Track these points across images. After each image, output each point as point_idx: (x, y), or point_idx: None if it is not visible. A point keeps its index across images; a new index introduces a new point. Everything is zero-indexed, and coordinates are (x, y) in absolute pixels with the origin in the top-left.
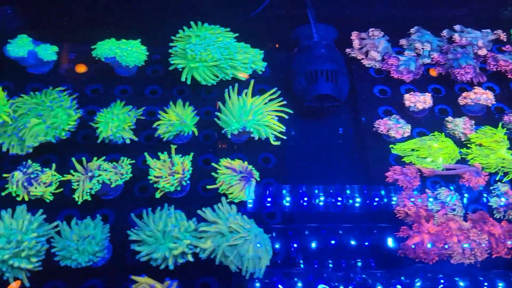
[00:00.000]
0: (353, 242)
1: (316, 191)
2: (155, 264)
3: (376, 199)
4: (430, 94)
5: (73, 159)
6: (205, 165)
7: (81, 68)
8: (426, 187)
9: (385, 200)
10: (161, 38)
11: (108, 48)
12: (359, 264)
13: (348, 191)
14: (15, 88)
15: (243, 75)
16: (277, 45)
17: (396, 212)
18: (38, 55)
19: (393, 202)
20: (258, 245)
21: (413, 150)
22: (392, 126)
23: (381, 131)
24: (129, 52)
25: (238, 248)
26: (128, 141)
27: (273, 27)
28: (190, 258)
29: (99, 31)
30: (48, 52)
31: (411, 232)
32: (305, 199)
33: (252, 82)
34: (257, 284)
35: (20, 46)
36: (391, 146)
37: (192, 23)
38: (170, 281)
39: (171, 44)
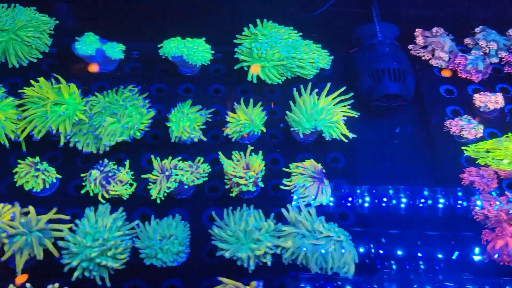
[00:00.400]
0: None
1: (391, 192)
2: (239, 263)
3: (460, 202)
4: (501, 94)
5: (153, 158)
6: (272, 164)
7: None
8: (503, 190)
9: (464, 203)
10: (221, 36)
11: (175, 47)
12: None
13: (426, 193)
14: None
15: (254, 70)
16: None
17: (474, 214)
18: (106, 53)
19: (476, 205)
20: (343, 250)
21: (487, 151)
22: (465, 126)
23: (453, 131)
24: (195, 51)
25: (322, 248)
26: (196, 140)
27: (331, 25)
28: (269, 258)
29: (159, 30)
30: (116, 50)
31: (495, 236)
32: (384, 199)
33: (328, 85)
34: None
35: (88, 44)
36: (463, 147)
37: (258, 21)
38: (256, 282)
39: (236, 41)
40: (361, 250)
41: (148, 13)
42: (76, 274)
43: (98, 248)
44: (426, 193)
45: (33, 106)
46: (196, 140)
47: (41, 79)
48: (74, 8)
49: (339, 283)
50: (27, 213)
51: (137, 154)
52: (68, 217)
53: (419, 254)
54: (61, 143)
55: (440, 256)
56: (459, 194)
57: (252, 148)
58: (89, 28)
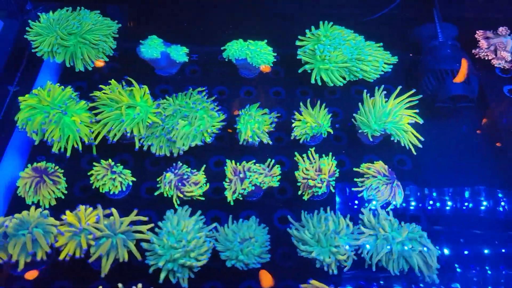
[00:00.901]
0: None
1: (467, 194)
2: (318, 265)
3: None
4: None
5: (228, 161)
6: (338, 166)
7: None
8: None
9: None
10: (279, 39)
11: (238, 49)
12: None
13: (500, 195)
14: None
15: (265, 68)
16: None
17: None
18: (171, 56)
19: None
20: (426, 251)
21: None
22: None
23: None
24: (259, 53)
25: (404, 250)
26: (265, 142)
27: (388, 28)
28: (348, 263)
29: (218, 32)
30: (180, 53)
31: None
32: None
33: (398, 88)
34: None
35: (153, 47)
36: None
37: (320, 23)
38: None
39: (298, 43)
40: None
41: (205, 15)
42: (162, 276)
43: (182, 249)
44: (500, 195)
45: (107, 109)
46: (265, 142)
47: (113, 81)
48: (130, 11)
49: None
50: (107, 215)
51: (203, 157)
52: (146, 218)
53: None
54: (137, 146)
55: None
56: None
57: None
58: (148, 31)
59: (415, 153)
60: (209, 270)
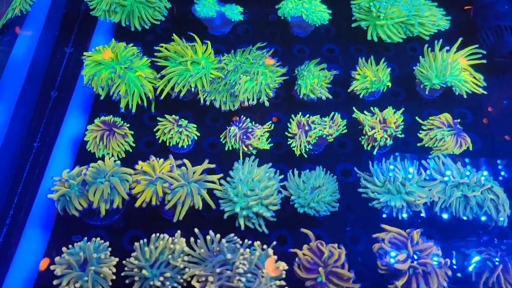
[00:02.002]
0: None
1: None
2: (386, 211)
3: None
4: None
5: (294, 116)
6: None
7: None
8: None
9: None
10: None
11: (294, 7)
12: None
13: None
14: None
15: (269, 61)
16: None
17: None
18: (226, 15)
19: None
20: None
21: None
22: None
23: None
24: (314, 11)
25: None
26: (324, 98)
27: None
28: (421, 206)
29: None
30: (235, 12)
31: None
32: None
33: (459, 40)
34: None
35: (207, 6)
36: None
37: None
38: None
39: (353, 2)
40: None
41: None
42: (241, 222)
43: (256, 197)
44: None
45: (171, 65)
46: (324, 97)
47: (176, 37)
48: None
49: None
50: (178, 166)
51: (259, 113)
52: (214, 165)
53: None
54: (202, 101)
55: None
56: None
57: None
58: None
59: (481, 92)
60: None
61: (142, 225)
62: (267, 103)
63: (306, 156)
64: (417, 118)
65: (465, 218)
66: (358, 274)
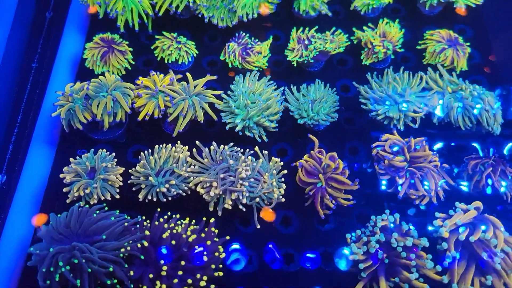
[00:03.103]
0: None
1: None
2: (386, 122)
3: None
4: None
5: (297, 32)
6: None
7: None
8: None
9: None
10: None
11: None
12: None
13: None
14: None
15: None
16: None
17: None
18: None
19: None
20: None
21: None
22: None
23: None
24: None
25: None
26: (323, 13)
27: None
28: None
29: None
30: None
31: None
32: None
33: None
34: None
35: None
36: None
37: None
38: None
39: None
40: None
41: None
42: (240, 128)
43: (257, 107)
44: None
45: None
46: (323, 12)
47: None
48: None
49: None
50: (178, 81)
51: (261, 31)
52: (215, 77)
53: None
54: (206, 15)
55: None
56: None
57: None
58: None
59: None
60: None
61: (144, 139)
62: None
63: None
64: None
65: (463, 127)
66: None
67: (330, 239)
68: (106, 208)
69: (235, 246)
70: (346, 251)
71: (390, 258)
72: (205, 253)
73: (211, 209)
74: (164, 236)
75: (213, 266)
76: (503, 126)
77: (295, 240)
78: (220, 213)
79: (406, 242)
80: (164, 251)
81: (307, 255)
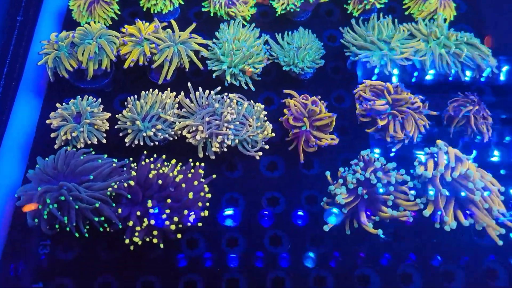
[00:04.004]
0: None
1: None
2: (369, 66)
3: None
4: None
5: None
6: None
7: None
8: None
9: None
10: None
11: None
12: None
13: None
14: None
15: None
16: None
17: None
18: None
19: None
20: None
21: None
22: None
23: None
24: None
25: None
26: None
27: None
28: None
29: None
30: None
31: None
32: None
33: None
34: None
35: None
36: None
37: None
38: None
39: None
40: None
41: None
42: (228, 78)
43: (242, 54)
44: None
45: None
46: None
47: None
48: None
49: None
50: (164, 28)
51: None
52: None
53: None
54: None
55: None
56: None
57: None
58: None
59: None
60: (263, 81)
61: (131, 89)
62: None
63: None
64: None
65: (448, 71)
66: (343, 128)
67: (316, 184)
68: (93, 153)
69: (229, 211)
70: (334, 210)
71: (370, 195)
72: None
73: (200, 155)
74: (150, 176)
75: (200, 204)
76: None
77: (280, 184)
78: (213, 157)
79: (389, 178)
80: (154, 209)
81: (298, 213)
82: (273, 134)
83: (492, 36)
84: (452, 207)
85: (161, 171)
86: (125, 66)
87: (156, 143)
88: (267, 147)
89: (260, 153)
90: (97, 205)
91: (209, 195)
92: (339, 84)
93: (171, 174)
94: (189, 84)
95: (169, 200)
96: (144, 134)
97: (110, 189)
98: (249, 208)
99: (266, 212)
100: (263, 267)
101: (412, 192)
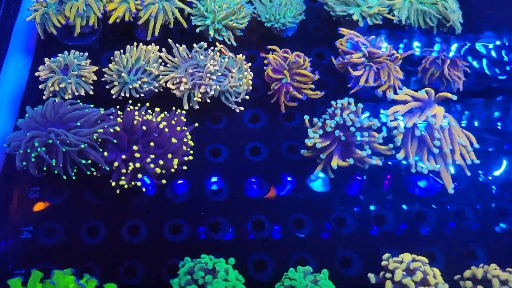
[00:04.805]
0: None
1: None
2: (349, 18)
3: None
4: None
5: None
6: None
7: None
8: None
9: None
10: None
11: None
12: None
13: None
14: None
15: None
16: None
17: None
18: None
19: None
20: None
21: None
22: None
23: None
24: None
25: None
26: None
27: None
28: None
29: None
30: None
31: None
32: None
33: None
34: None
35: None
36: None
37: None
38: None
39: None
40: None
41: None
42: (211, 33)
43: (226, 10)
44: None
45: None
46: None
47: None
48: None
49: None
50: None
51: None
52: None
53: None
54: None
55: None
56: None
57: None
58: None
59: None
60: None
61: (118, 46)
62: None
63: None
64: None
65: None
66: (323, 83)
67: (297, 135)
68: (81, 104)
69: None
70: (321, 174)
71: (346, 138)
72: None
73: (185, 107)
74: (135, 122)
75: (184, 148)
76: None
77: (262, 135)
78: (196, 107)
79: (362, 121)
80: (146, 180)
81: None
82: (251, 81)
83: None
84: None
85: (145, 118)
86: (111, 21)
87: (142, 95)
88: (247, 97)
89: (242, 108)
90: (82, 146)
91: (191, 143)
92: (321, 42)
93: (154, 120)
94: (169, 40)
95: (152, 144)
96: (130, 86)
97: (96, 134)
98: (232, 156)
99: (253, 180)
100: (246, 214)
101: (382, 134)
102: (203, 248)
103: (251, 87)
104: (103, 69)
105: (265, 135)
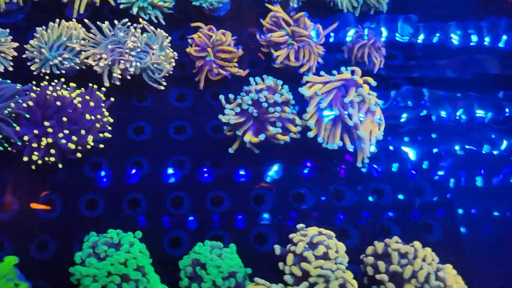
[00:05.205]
0: None
1: None
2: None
3: None
4: None
5: None
6: None
7: None
8: None
9: None
10: None
11: None
12: None
13: None
14: None
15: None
16: None
17: None
18: None
19: None
20: None
21: None
22: None
23: None
24: None
25: None
26: None
27: None
28: None
29: None
30: None
31: None
32: None
33: None
34: None
35: None
36: None
37: None
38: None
39: None
40: None
41: None
42: (135, 10)
43: None
44: None
45: None
46: None
47: None
48: None
49: None
50: None
51: None
52: None
53: None
54: None
55: None
56: None
57: None
58: None
59: None
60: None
61: (46, 24)
62: None
63: None
64: None
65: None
66: (254, 62)
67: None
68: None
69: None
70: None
71: (260, 116)
72: (90, 117)
73: (106, 84)
74: (48, 97)
75: (98, 125)
76: None
77: (188, 113)
78: (118, 83)
79: (275, 97)
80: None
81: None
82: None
83: None
84: (338, 130)
85: (60, 93)
86: None
87: (63, 71)
88: (171, 72)
89: (163, 86)
90: None
91: (110, 119)
92: (253, 23)
93: (68, 95)
94: (85, 20)
95: (65, 119)
96: (51, 63)
97: (9, 109)
98: (155, 135)
99: (206, 169)
100: (165, 188)
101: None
102: (118, 225)
103: (174, 64)
104: (24, 46)
105: (190, 114)
